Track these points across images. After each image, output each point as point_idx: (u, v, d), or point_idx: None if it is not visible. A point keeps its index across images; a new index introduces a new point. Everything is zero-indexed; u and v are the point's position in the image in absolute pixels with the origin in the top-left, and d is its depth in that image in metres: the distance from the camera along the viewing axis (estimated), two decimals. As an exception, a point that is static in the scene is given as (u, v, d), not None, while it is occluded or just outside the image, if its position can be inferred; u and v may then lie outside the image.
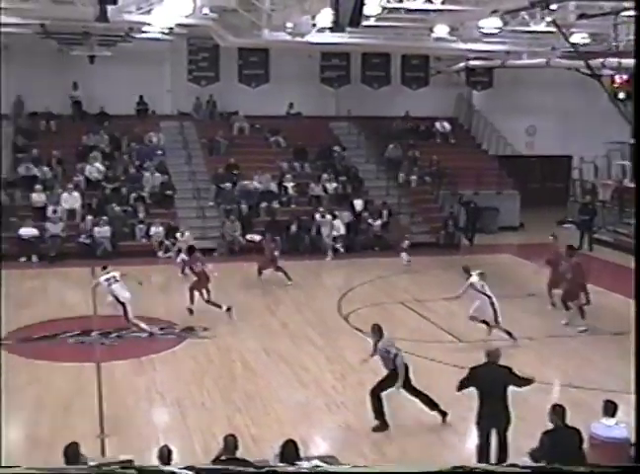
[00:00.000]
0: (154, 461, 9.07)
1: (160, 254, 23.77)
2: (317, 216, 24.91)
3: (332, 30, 17.08)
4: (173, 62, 29.28)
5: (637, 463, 7.03)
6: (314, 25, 19.71)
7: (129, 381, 13.67)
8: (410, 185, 28.37)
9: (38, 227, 23.61)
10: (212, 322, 16.94)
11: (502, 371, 10.08)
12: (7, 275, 21.28)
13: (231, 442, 8.78)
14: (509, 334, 15.42)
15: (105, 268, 16.70)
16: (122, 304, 16.01)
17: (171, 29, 24.78)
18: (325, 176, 27.32)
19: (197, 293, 17.54)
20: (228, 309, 17.38)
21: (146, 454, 10.47)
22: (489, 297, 15.46)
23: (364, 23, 17.31)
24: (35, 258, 23.13)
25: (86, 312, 17.67)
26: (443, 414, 11.94)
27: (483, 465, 8.26)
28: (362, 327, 15.94)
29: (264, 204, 25.95)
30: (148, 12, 21.51)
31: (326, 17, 17.81)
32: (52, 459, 9.91)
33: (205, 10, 21.71)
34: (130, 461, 9.12)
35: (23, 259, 23.04)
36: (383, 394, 11.79)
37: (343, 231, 24.99)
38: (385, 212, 26.13)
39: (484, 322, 15.63)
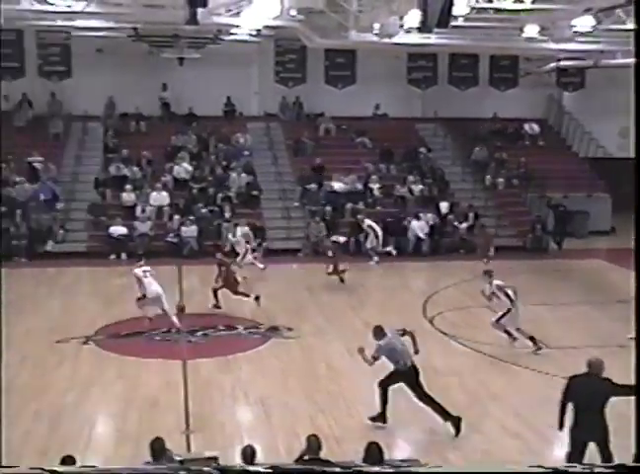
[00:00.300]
0: (238, 459, 9.12)
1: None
2: (366, 221, 23.95)
3: (420, 30, 16.98)
4: (260, 64, 29.53)
5: (637, 463, 6.83)
6: (401, 26, 19.60)
7: (215, 379, 13.80)
8: (497, 187, 27.97)
9: (127, 226, 24.13)
10: (297, 322, 17.00)
11: (604, 383, 9.63)
12: (97, 272, 21.99)
13: (314, 442, 8.75)
14: (532, 340, 15.05)
15: (140, 260, 17.25)
16: (154, 299, 16.33)
17: (259, 30, 25.04)
18: (411, 178, 27.16)
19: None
20: (256, 298, 17.81)
21: (230, 452, 10.55)
22: (512, 301, 15.06)
23: (452, 23, 17.12)
24: (124, 256, 23.63)
25: (172, 310, 17.96)
26: (457, 423, 11.55)
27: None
28: (448, 330, 15.76)
29: (349, 206, 25.94)
30: (237, 14, 21.78)
31: (414, 18, 17.72)
32: (139, 453, 10.07)
33: (293, 11, 21.83)
34: (215, 458, 9.20)
35: (112, 256, 23.58)
36: (390, 388, 11.79)
37: (423, 233, 24.80)
38: (471, 215, 25.83)
39: (507, 332, 15.23)
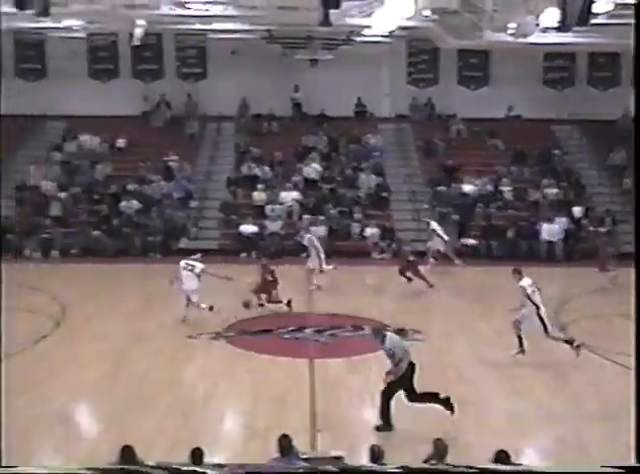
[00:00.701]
0: (363, 460, 9.08)
1: (375, 255, 23.93)
2: (433, 223, 23.36)
3: (558, 29, 16.45)
4: (392, 65, 29.43)
5: (637, 463, 6.46)
6: (537, 25, 19.08)
7: (342, 379, 13.79)
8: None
9: (257, 224, 24.51)
10: (425, 325, 16.81)
11: None
12: (227, 269, 22.34)
13: (441, 446, 8.62)
14: (569, 343, 14.46)
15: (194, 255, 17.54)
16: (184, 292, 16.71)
17: (391, 31, 24.93)
18: (545, 181, 26.46)
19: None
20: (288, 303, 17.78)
21: (356, 452, 10.52)
22: (537, 307, 14.41)
23: (592, 21, 16.52)
24: (254, 254, 24.00)
25: (302, 309, 18.14)
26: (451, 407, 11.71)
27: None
28: (582, 339, 15.24)
29: (479, 208, 25.50)
30: (369, 15, 21.75)
31: (551, 16, 17.20)
32: (267, 449, 10.17)
33: (426, 12, 21.60)
34: (341, 458, 9.19)
35: (243, 254, 24.00)
36: (394, 396, 11.70)
37: (555, 238, 24.10)
38: (608, 220, 24.89)
39: (519, 337, 14.59)
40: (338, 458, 9.40)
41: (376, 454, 8.59)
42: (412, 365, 11.79)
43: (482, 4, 19.98)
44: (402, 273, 20.06)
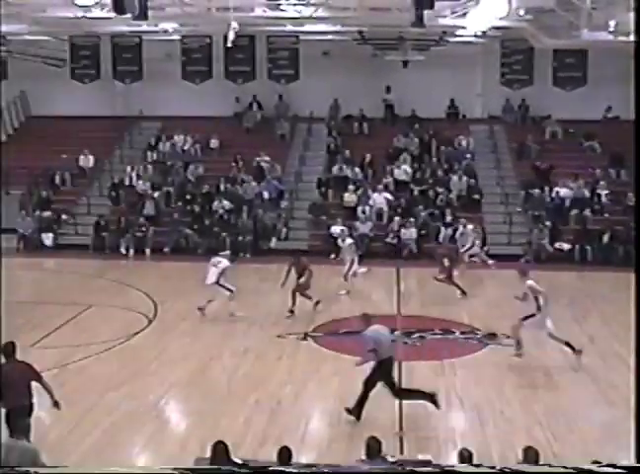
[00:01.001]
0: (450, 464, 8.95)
1: (465, 258, 23.59)
2: (461, 227, 23.01)
3: (660, 26, 15.87)
4: (485, 65, 29.03)
5: (637, 463, 6.15)
6: (639, 22, 18.50)
7: (429, 382, 13.61)
8: None
9: (347, 226, 24.45)
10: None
11: None
12: (317, 270, 22.41)
13: (532, 454, 8.41)
14: (569, 346, 14.23)
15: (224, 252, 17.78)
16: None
17: (484, 31, 24.60)
18: (643, 184, 25.64)
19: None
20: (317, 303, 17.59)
21: (443, 456, 10.40)
22: (538, 308, 14.11)
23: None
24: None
25: (390, 311, 18.03)
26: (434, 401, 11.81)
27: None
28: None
29: (574, 212, 24.89)
30: (463, 15, 21.49)
31: (654, 13, 16.62)
32: (353, 450, 10.15)
33: (521, 11, 21.20)
34: (429, 461, 9.08)
35: (332, 256, 23.99)
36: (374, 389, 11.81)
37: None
38: None
39: (518, 343, 14.39)
40: (426, 462, 9.29)
41: (466, 459, 8.44)
42: (391, 360, 11.90)
43: (580, 2, 19.48)
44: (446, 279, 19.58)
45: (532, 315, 14.48)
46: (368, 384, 11.86)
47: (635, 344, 6.73)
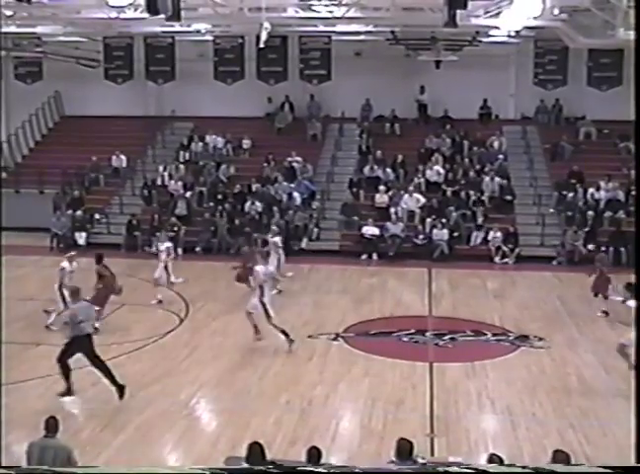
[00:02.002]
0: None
1: (497, 259, 23.46)
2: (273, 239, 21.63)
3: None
4: (518, 65, 28.83)
5: (637, 463, 6.00)
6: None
7: (461, 384, 13.58)
8: None
9: (379, 226, 24.43)
10: (548, 332, 16.36)
11: None
12: (348, 270, 22.45)
13: (562, 458, 8.33)
14: None
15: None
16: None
17: (518, 31, 24.43)
18: (679, 186, 25.32)
19: None
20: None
21: (474, 458, 10.33)
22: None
23: None
24: (375, 256, 23.95)
25: (421, 312, 18.01)
26: (121, 390, 12.22)
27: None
28: None
29: (608, 214, 24.63)
30: (496, 15, 21.36)
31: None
32: (383, 450, 10.12)
33: (555, 11, 21.04)
34: (459, 464, 9.00)
35: (364, 256, 23.98)
36: (70, 360, 12.46)
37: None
38: None
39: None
40: (456, 464, 9.21)
41: (496, 463, 8.36)
42: (88, 337, 12.38)
43: (616, 1, 19.28)
44: None
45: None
46: (63, 357, 12.46)
47: (635, 343, 6.64)
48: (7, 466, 7.15)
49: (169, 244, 19.62)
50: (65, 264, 16.34)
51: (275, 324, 15.09)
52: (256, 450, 8.26)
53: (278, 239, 20.48)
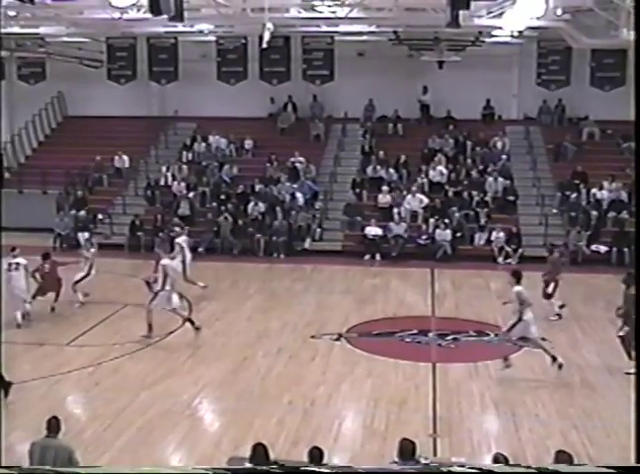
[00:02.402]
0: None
1: (500, 260, 23.43)
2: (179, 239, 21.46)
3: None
4: (521, 66, 28.82)
5: (637, 463, 6.02)
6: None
7: (464, 384, 13.57)
8: None
9: (382, 227, 24.41)
10: (551, 333, 16.32)
11: None
12: (351, 271, 22.45)
13: (565, 458, 8.32)
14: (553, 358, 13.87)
15: (13, 249, 16.68)
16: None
17: (521, 32, 24.39)
18: (682, 186, 25.28)
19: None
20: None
21: (477, 459, 10.32)
22: (520, 313, 13.69)
23: None
24: (378, 256, 23.94)
25: (424, 312, 18.01)
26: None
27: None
28: None
29: (612, 214, 24.60)
30: (499, 15, 21.33)
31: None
32: (386, 450, 10.12)
33: (558, 11, 21.01)
34: (462, 465, 8.98)
35: (367, 257, 23.96)
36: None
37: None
38: None
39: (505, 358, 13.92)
40: (459, 464, 9.20)
41: (501, 463, 8.35)
42: None
43: (619, 0, 19.26)
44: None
45: (518, 321, 14.00)
46: None
47: (635, 343, 6.64)
48: (8, 466, 7.14)
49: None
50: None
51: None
52: (260, 451, 8.25)
53: (182, 239, 19.70)
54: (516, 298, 13.94)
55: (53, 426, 8.78)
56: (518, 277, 14.12)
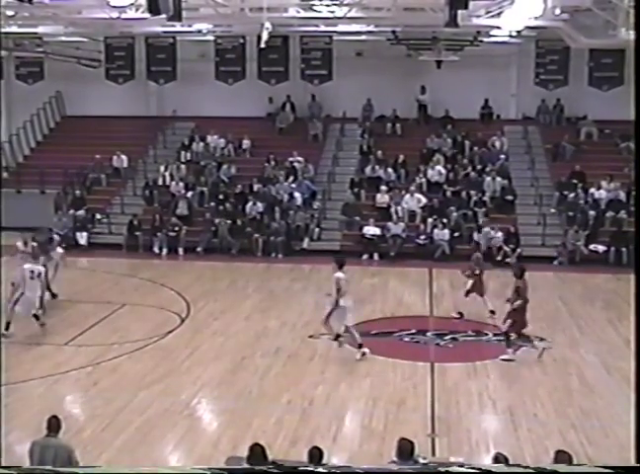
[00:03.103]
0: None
1: (498, 259, 23.42)
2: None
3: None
4: (519, 65, 28.84)
5: (637, 463, 6.05)
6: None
7: (462, 384, 13.57)
8: None
9: (380, 226, 24.41)
10: (549, 332, 16.35)
11: None
12: (349, 271, 22.41)
13: (563, 458, 8.32)
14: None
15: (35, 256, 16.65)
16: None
17: (519, 31, 24.41)
18: (680, 186, 25.29)
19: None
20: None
21: (475, 459, 10.32)
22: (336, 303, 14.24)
23: None
24: (376, 256, 23.94)
25: (422, 312, 18.01)
26: None
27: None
28: None
29: (610, 214, 24.61)
30: (497, 15, 21.35)
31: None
32: (384, 450, 10.12)
33: (557, 11, 21.03)
34: (461, 465, 8.99)
35: (365, 256, 23.96)
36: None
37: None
38: None
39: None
40: (458, 464, 9.20)
41: (501, 463, 8.35)
42: None
43: (618, 1, 19.27)
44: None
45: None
46: None
47: (635, 345, 6.62)
48: (7, 466, 7.14)
49: None
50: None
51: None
52: (257, 451, 8.23)
53: (61, 250, 18.91)
54: (334, 284, 14.35)
55: (53, 425, 8.77)
56: (340, 264, 14.55)
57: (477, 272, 17.31)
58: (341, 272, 14.46)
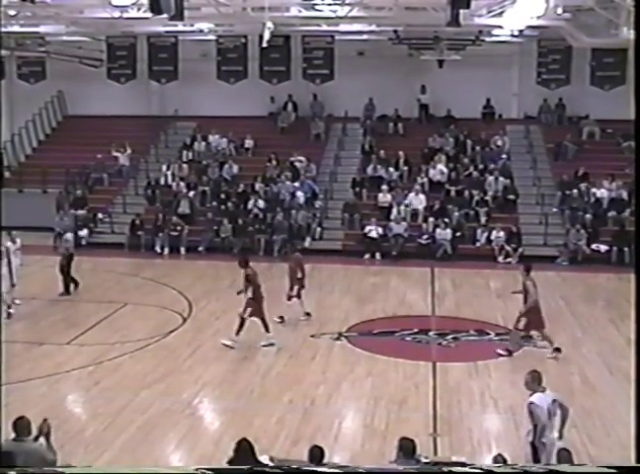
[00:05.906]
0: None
1: (500, 259, 23.44)
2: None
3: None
4: (521, 65, 28.82)
5: (637, 463, 6.07)
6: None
7: (464, 384, 13.57)
8: None
9: (382, 226, 24.40)
10: (551, 332, 16.28)
11: None
12: (351, 270, 22.46)
13: (565, 457, 8.32)
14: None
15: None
16: None
17: (521, 31, 24.39)
18: (683, 185, 25.24)
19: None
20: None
21: (477, 458, 10.31)
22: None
23: None
24: (378, 255, 23.93)
25: (424, 311, 18.00)
26: None
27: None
28: None
29: (612, 213, 24.58)
30: (499, 14, 21.33)
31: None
32: (386, 450, 10.11)
33: (559, 10, 21.01)
34: (463, 464, 8.99)
35: (367, 256, 23.95)
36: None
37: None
38: None
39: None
40: (459, 464, 9.20)
41: (500, 463, 8.36)
42: None
43: (620, 0, 19.25)
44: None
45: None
46: None
47: (635, 345, 6.61)
48: (7, 466, 7.15)
49: None
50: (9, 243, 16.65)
51: None
52: (244, 448, 8.07)
53: (13, 245, 17.91)
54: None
55: (22, 427, 7.70)
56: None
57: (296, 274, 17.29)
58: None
